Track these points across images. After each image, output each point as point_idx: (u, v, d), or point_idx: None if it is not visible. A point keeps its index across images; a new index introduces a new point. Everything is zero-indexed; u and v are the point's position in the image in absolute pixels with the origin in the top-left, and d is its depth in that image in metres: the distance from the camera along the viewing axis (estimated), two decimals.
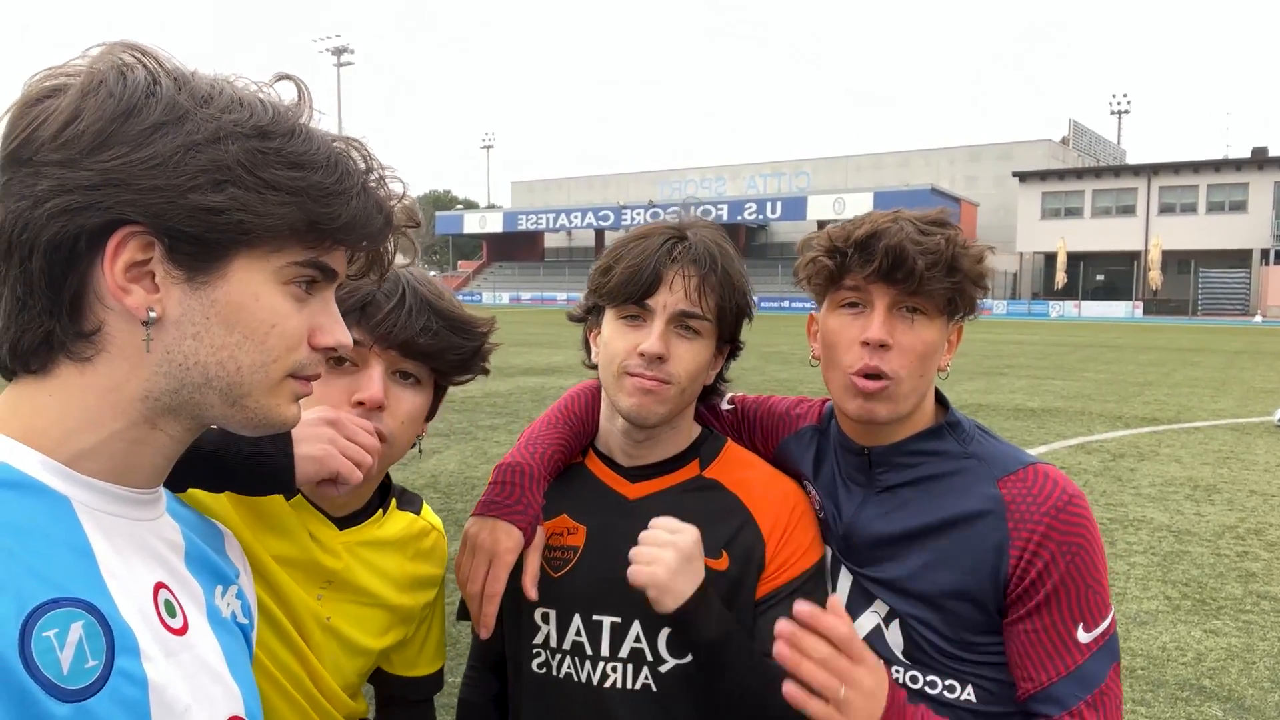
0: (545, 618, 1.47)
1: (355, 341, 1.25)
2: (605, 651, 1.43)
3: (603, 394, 1.50)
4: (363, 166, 0.86)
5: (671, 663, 1.41)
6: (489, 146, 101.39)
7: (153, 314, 0.78)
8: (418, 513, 1.53)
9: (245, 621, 0.99)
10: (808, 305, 1.52)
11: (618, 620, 1.43)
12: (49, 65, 0.79)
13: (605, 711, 1.41)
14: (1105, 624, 1.32)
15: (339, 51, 78.99)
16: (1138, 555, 6.02)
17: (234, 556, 1.03)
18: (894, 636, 1.41)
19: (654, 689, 1.40)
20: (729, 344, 1.48)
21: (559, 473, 1.52)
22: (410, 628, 1.51)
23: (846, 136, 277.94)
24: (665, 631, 1.41)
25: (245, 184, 0.78)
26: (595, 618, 1.44)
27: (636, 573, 1.30)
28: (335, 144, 0.85)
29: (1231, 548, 6.20)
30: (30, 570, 0.72)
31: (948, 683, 1.37)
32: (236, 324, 0.81)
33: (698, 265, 1.37)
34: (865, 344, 1.35)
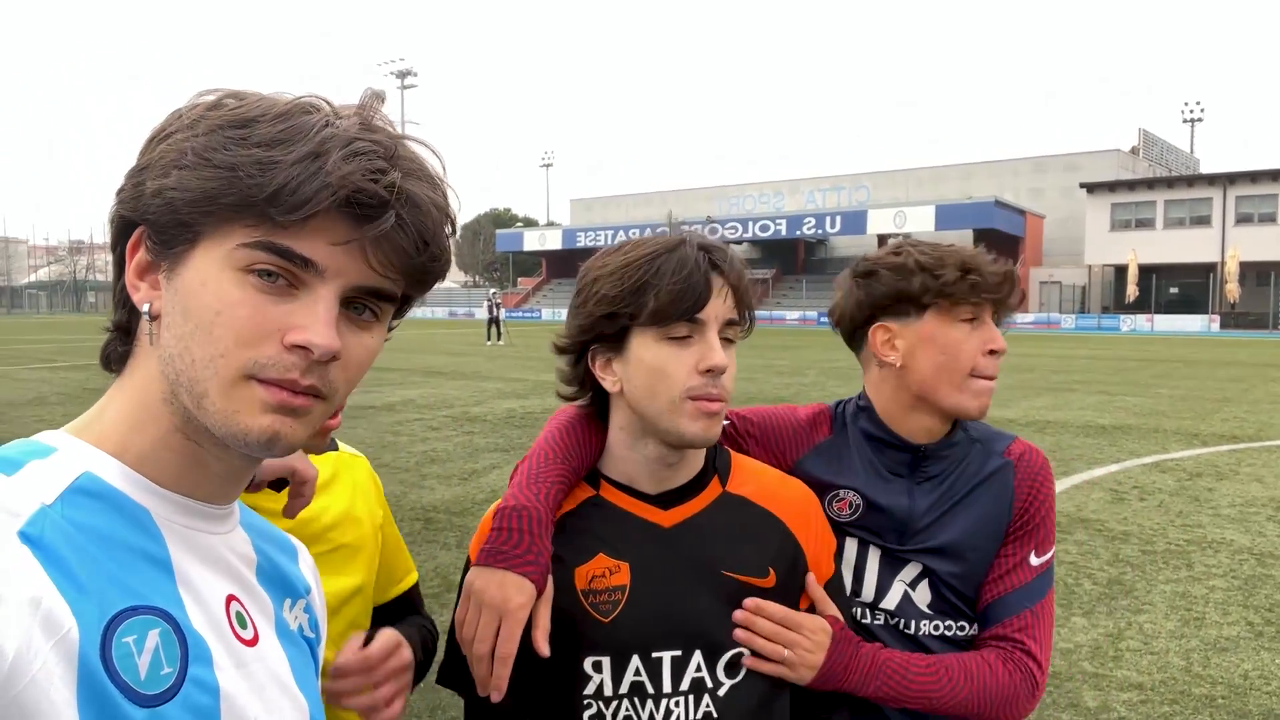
0: (597, 666, 1.37)
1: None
2: (667, 688, 1.37)
3: (626, 422, 1.42)
4: (344, 139, 0.75)
5: (728, 684, 1.39)
6: (548, 165, 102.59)
7: (146, 308, 0.81)
8: (335, 448, 1.65)
9: (312, 635, 1.00)
10: None
11: (678, 654, 1.38)
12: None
13: None
14: (1049, 554, 1.65)
15: (403, 75, 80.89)
16: (1217, 579, 5.80)
17: (305, 571, 1.04)
18: (921, 595, 1.63)
19: (715, 715, 1.37)
20: None
21: (574, 512, 1.44)
22: (373, 554, 1.63)
23: (907, 149, 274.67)
24: (726, 656, 1.39)
25: (189, 165, 0.76)
26: (655, 655, 1.37)
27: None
28: (339, 123, 0.77)
29: None
30: (112, 578, 0.75)
31: (959, 623, 1.63)
32: (190, 312, 0.78)
33: (736, 272, 1.36)
34: (993, 352, 1.61)
